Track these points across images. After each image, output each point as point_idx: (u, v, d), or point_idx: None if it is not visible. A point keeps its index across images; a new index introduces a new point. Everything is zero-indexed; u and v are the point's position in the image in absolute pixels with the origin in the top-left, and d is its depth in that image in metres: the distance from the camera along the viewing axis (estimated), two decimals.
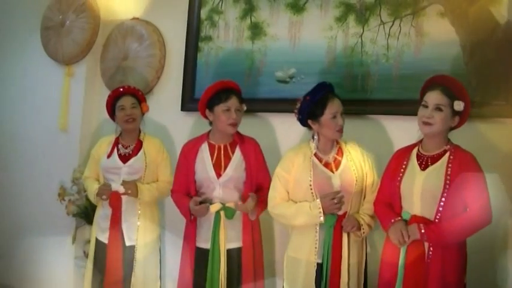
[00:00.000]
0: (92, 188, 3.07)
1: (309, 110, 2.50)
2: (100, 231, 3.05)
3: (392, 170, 2.35)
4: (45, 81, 4.13)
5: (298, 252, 2.50)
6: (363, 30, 3.01)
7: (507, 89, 2.61)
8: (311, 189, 2.45)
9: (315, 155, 2.52)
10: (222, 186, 2.70)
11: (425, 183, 2.21)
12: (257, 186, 2.73)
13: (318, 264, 2.43)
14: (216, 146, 2.75)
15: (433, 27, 2.80)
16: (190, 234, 2.75)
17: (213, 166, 2.71)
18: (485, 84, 2.66)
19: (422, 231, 2.14)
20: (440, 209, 2.17)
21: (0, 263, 4.21)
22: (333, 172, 2.48)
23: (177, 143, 2.98)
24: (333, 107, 2.47)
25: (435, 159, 2.25)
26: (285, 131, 3.18)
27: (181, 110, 3.61)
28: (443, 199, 2.16)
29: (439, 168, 2.21)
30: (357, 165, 2.50)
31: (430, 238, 2.15)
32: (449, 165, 2.20)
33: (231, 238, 2.68)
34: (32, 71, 4.23)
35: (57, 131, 4.00)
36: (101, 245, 3.03)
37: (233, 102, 2.69)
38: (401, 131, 2.82)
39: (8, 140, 4.32)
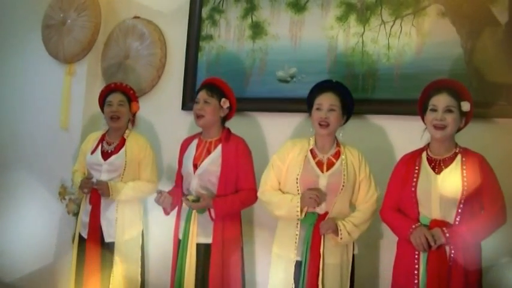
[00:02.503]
0: (77, 181, 3.10)
1: (307, 103, 2.56)
2: (82, 227, 3.05)
3: (403, 175, 2.32)
4: (46, 79, 4.12)
5: (280, 248, 2.53)
6: (364, 30, 3.01)
7: (508, 89, 2.61)
8: (297, 183, 2.46)
9: (311, 151, 2.52)
10: (198, 179, 2.72)
11: (444, 187, 2.19)
12: (235, 185, 2.73)
13: (298, 261, 2.44)
14: (203, 142, 2.80)
15: (434, 27, 2.80)
16: (175, 227, 2.82)
17: (193, 159, 2.75)
18: (486, 84, 2.66)
19: (447, 235, 2.12)
20: (460, 211, 2.16)
21: (0, 261, 4.20)
22: (322, 172, 2.47)
23: (177, 143, 2.96)
24: (320, 98, 2.49)
25: (447, 162, 2.24)
26: (285, 130, 3.16)
27: (182, 109, 3.61)
28: (462, 201, 2.16)
29: (454, 171, 2.21)
30: (349, 171, 2.47)
31: (454, 241, 2.13)
32: (464, 167, 2.20)
33: (201, 233, 2.69)
34: (33, 69, 4.22)
35: (58, 129, 3.99)
36: (82, 241, 3.03)
37: (201, 94, 2.79)
38: (402, 131, 2.82)
39: (9, 138, 4.32)
